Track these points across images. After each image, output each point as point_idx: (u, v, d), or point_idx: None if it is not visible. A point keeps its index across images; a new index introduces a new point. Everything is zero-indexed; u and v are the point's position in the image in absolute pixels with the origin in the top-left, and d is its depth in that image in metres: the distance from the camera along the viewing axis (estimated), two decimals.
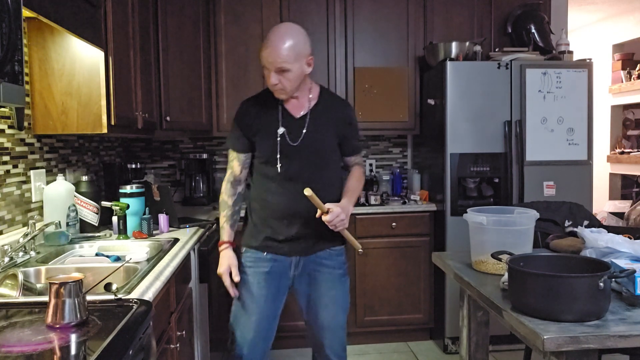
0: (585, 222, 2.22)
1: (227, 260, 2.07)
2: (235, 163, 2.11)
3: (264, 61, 1.95)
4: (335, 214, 1.91)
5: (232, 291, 2.07)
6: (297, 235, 2.06)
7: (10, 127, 2.08)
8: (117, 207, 2.32)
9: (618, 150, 5.69)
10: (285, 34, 1.93)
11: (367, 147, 4.05)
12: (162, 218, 2.51)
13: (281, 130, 2.03)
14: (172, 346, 1.88)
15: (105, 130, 2.21)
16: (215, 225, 2.95)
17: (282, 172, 2.03)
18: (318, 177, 2.05)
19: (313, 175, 2.04)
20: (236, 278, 2.05)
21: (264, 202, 2.09)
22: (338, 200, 2.02)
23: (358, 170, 2.20)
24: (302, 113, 2.07)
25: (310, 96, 2.10)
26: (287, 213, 2.04)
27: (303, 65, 1.98)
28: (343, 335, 2.15)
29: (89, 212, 2.41)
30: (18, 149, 2.15)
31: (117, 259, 1.96)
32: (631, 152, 5.52)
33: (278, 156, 2.02)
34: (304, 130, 2.05)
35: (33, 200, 2.27)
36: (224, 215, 2.14)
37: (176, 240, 2.26)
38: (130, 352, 1.20)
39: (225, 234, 2.13)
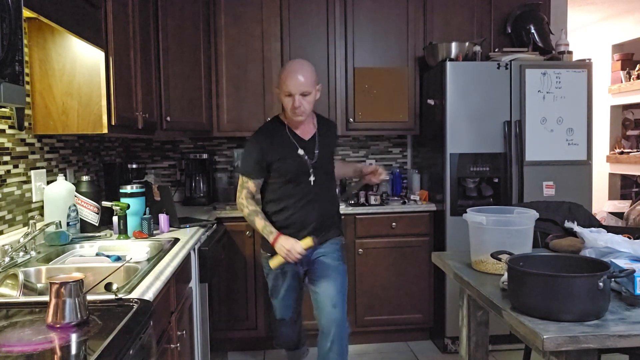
0: (575, 223, 2.22)
1: (289, 240, 2.38)
2: (252, 184, 2.45)
3: (290, 87, 2.31)
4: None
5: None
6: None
7: (10, 127, 2.08)
8: (118, 207, 2.33)
9: (617, 150, 5.69)
10: (304, 65, 2.38)
11: (367, 147, 4.05)
12: (163, 218, 2.51)
13: (301, 151, 2.43)
14: (172, 346, 1.88)
15: (105, 131, 2.22)
16: (215, 225, 2.96)
17: (306, 188, 2.44)
18: (327, 189, 2.51)
19: (322, 189, 2.47)
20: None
21: (279, 216, 2.45)
22: (338, 211, 2.61)
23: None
24: (310, 136, 2.48)
25: (314, 121, 2.52)
26: (301, 223, 2.44)
27: (316, 91, 2.40)
28: (336, 312, 2.39)
29: (89, 212, 2.41)
30: (18, 149, 2.16)
31: (118, 258, 1.97)
32: (630, 152, 5.52)
33: (307, 170, 2.43)
34: (316, 151, 2.46)
35: (33, 200, 2.27)
36: (261, 219, 2.44)
37: (176, 240, 2.26)
38: (131, 352, 1.20)
39: (273, 228, 2.43)
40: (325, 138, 2.52)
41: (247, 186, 2.44)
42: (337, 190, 2.73)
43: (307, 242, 2.36)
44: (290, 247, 2.34)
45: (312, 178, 2.43)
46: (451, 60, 3.29)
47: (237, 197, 2.48)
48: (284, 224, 2.44)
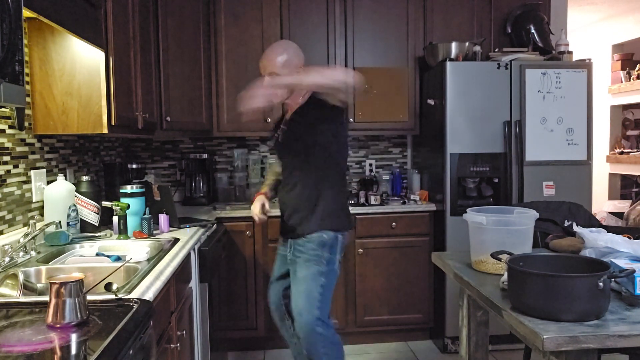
0: (572, 222, 2.22)
1: (256, 204, 2.54)
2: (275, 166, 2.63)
3: (260, 69, 2.37)
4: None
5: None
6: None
7: (10, 127, 2.08)
8: (118, 207, 2.32)
9: (617, 150, 5.69)
10: (274, 46, 2.43)
11: (367, 147, 4.05)
12: (163, 218, 2.51)
13: (278, 132, 2.50)
14: (172, 346, 1.88)
15: (105, 131, 2.22)
16: (215, 225, 2.96)
17: (284, 169, 2.51)
18: (295, 175, 2.43)
19: (292, 173, 2.44)
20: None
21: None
22: (312, 202, 2.40)
23: None
24: (288, 116, 2.48)
25: (302, 101, 2.41)
26: (280, 206, 2.54)
27: (292, 73, 2.34)
28: (301, 320, 2.34)
29: (89, 212, 2.41)
30: (19, 149, 2.16)
31: (118, 258, 1.96)
32: (630, 152, 5.52)
33: (279, 150, 2.52)
34: (283, 127, 2.46)
35: (33, 200, 2.27)
36: (270, 179, 2.62)
37: (176, 240, 2.26)
38: (131, 352, 1.20)
39: (264, 185, 2.63)
40: (301, 117, 2.37)
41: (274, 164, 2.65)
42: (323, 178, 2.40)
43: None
44: (253, 207, 2.54)
45: (284, 159, 2.50)
46: (451, 60, 3.29)
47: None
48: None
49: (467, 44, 3.40)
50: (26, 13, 1.52)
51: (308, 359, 2.39)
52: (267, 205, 2.54)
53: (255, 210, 2.54)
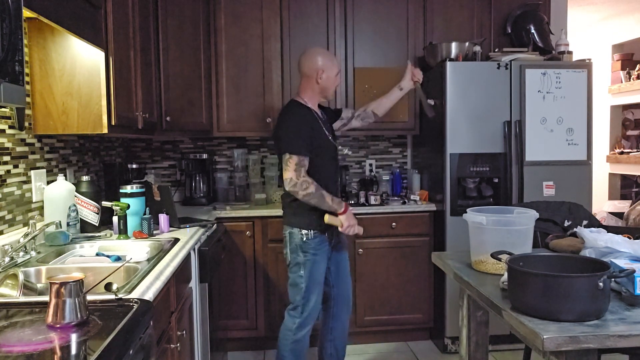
0: (585, 222, 2.22)
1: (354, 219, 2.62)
2: (306, 162, 2.50)
3: (339, 66, 2.77)
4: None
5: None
6: None
7: (10, 127, 2.08)
8: (118, 207, 2.32)
9: (617, 150, 5.69)
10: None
11: (367, 147, 4.05)
12: (163, 218, 2.51)
13: (327, 132, 2.67)
14: (172, 346, 1.88)
15: (105, 131, 2.22)
16: (215, 225, 2.96)
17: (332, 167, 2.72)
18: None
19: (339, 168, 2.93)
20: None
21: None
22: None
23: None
24: (324, 117, 2.73)
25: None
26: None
27: None
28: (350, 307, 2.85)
29: (89, 212, 2.41)
30: (19, 149, 2.16)
31: (118, 258, 1.96)
32: (630, 152, 5.53)
33: (334, 149, 2.75)
34: (333, 132, 2.81)
35: (34, 200, 2.27)
36: (327, 192, 2.54)
37: (176, 240, 2.26)
38: (131, 352, 1.20)
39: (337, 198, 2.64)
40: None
41: (304, 164, 2.46)
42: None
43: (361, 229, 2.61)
44: (354, 223, 2.58)
45: (335, 160, 2.74)
46: (451, 60, 3.29)
47: (296, 177, 2.43)
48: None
49: (467, 44, 3.40)
50: (26, 13, 1.52)
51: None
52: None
53: (357, 229, 2.60)
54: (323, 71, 2.62)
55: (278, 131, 2.58)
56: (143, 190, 2.51)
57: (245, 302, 3.37)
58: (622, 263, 1.63)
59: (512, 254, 1.68)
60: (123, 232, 2.31)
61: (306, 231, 2.55)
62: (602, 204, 5.35)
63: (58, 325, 1.22)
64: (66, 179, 2.40)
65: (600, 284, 1.38)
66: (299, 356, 2.64)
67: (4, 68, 1.29)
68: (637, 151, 5.50)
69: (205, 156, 3.68)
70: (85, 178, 2.45)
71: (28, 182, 2.23)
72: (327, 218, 2.53)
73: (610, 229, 2.06)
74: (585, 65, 3.36)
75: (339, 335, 2.80)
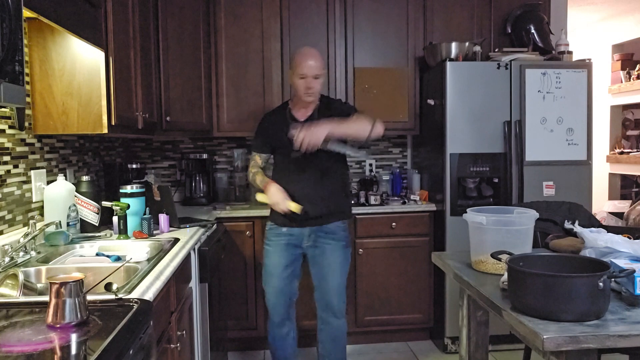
0: (577, 222, 2.22)
1: (280, 194, 2.56)
2: (257, 158, 2.76)
3: (304, 70, 2.51)
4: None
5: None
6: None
7: (10, 127, 2.08)
8: (118, 207, 2.32)
9: (617, 150, 5.69)
10: (315, 50, 2.62)
11: (367, 147, 4.05)
12: (163, 218, 2.51)
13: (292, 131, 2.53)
14: (172, 346, 1.88)
15: (105, 131, 2.22)
16: (215, 225, 2.96)
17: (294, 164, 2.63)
18: (318, 169, 2.61)
19: (311, 168, 2.60)
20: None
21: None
22: (324, 196, 2.63)
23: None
24: (305, 117, 2.64)
25: (317, 103, 2.68)
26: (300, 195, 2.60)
27: (323, 75, 2.62)
28: (344, 293, 2.71)
29: (89, 212, 2.41)
30: (19, 149, 2.16)
31: (118, 258, 1.96)
32: (630, 152, 5.53)
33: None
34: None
35: (33, 200, 2.27)
36: (261, 174, 2.70)
37: (176, 240, 2.26)
38: (131, 352, 1.20)
39: (267, 179, 2.66)
40: (323, 117, 2.56)
41: (254, 159, 2.77)
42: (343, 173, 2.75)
43: (294, 206, 2.53)
44: (278, 200, 2.54)
45: (311, 154, 2.53)
46: (451, 60, 3.29)
47: (248, 172, 2.78)
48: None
49: (467, 44, 3.40)
50: (26, 13, 1.52)
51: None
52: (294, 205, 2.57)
53: (283, 200, 2.54)
54: (292, 71, 2.59)
55: None
56: (143, 190, 2.51)
57: (245, 302, 3.37)
58: (622, 263, 1.63)
59: (512, 254, 1.68)
60: (123, 232, 2.31)
61: (270, 222, 2.73)
62: (602, 204, 5.35)
63: (58, 325, 1.22)
64: (66, 179, 2.40)
65: (600, 284, 1.38)
66: (273, 355, 2.79)
67: (4, 68, 1.29)
68: (637, 151, 5.50)
69: (205, 156, 3.68)
70: (85, 178, 2.45)
71: (28, 182, 2.23)
72: (258, 197, 2.65)
73: (610, 229, 2.06)
74: (585, 65, 3.36)
75: (326, 339, 2.73)
